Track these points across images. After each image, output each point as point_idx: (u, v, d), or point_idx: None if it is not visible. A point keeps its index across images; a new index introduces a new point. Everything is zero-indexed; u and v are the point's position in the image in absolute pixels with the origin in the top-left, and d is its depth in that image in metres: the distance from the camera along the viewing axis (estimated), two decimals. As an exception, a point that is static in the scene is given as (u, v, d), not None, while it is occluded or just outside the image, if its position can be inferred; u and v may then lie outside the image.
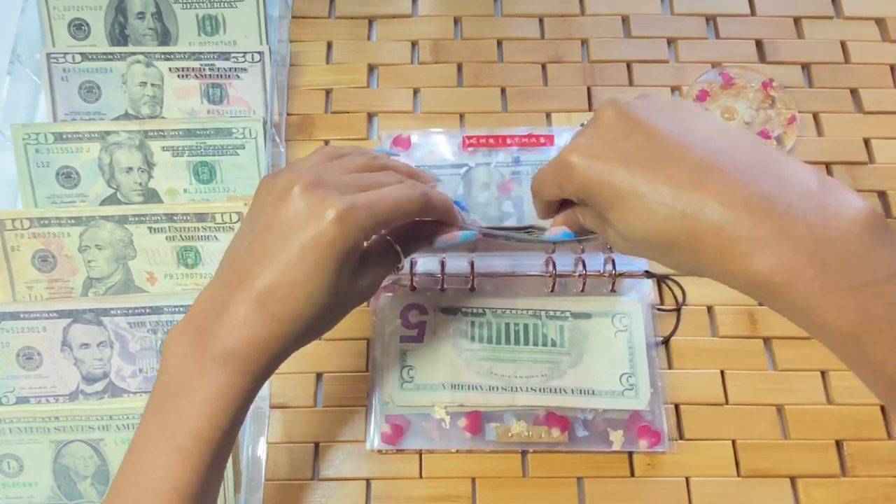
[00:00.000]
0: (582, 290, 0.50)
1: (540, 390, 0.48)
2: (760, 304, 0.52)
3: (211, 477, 0.32)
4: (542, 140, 0.55)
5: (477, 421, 0.47)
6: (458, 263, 0.51)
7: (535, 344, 0.48)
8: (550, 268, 0.50)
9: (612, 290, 0.50)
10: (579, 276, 0.50)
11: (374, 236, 0.36)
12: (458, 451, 0.47)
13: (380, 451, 0.47)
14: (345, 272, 0.32)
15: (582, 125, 0.36)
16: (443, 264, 0.50)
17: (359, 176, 0.35)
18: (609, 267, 0.50)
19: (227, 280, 0.32)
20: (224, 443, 0.32)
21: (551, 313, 0.49)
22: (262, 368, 0.32)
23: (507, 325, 0.49)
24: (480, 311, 0.49)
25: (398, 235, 0.38)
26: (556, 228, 0.38)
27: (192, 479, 0.31)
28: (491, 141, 0.55)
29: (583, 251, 0.49)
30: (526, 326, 0.49)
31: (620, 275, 0.51)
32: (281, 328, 0.32)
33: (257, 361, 0.32)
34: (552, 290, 0.50)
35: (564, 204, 0.38)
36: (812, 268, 0.25)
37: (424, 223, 0.39)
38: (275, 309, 0.31)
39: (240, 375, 0.31)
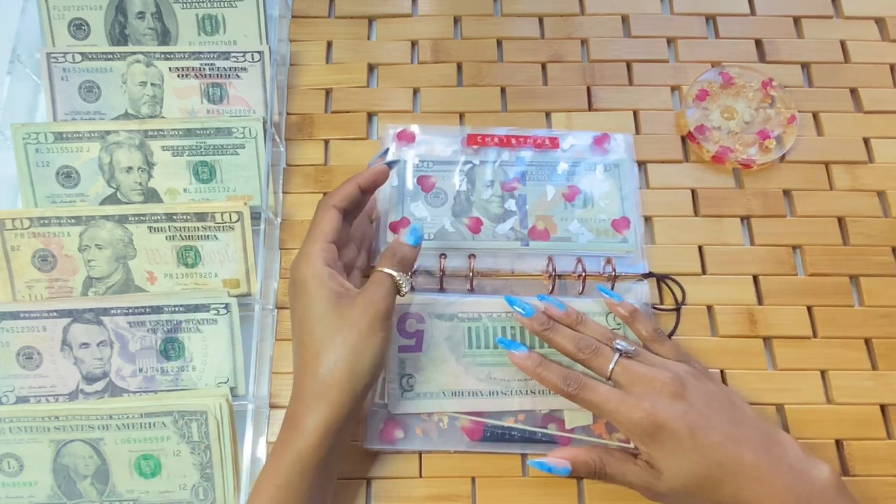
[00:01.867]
0: (581, 292, 0.50)
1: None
2: (760, 304, 0.52)
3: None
4: (547, 143, 0.55)
5: (476, 425, 0.47)
6: (458, 263, 0.51)
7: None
8: (550, 268, 0.50)
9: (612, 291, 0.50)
10: (578, 276, 0.50)
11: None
12: (456, 452, 0.47)
13: (379, 452, 0.47)
14: (330, 297, 0.41)
15: None
16: (442, 265, 0.50)
17: None
18: (608, 268, 0.50)
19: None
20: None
21: None
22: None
23: (504, 328, 0.49)
24: (477, 316, 0.49)
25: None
26: (561, 451, 0.44)
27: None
28: (496, 140, 0.55)
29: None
30: (522, 329, 0.49)
31: (620, 276, 0.51)
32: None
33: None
34: (552, 292, 0.50)
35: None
36: None
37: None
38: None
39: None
